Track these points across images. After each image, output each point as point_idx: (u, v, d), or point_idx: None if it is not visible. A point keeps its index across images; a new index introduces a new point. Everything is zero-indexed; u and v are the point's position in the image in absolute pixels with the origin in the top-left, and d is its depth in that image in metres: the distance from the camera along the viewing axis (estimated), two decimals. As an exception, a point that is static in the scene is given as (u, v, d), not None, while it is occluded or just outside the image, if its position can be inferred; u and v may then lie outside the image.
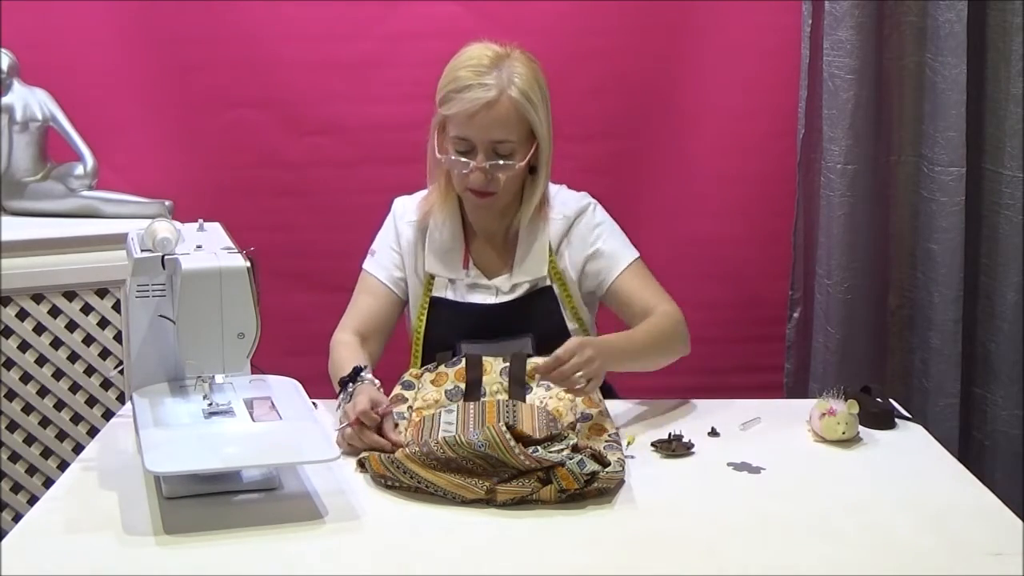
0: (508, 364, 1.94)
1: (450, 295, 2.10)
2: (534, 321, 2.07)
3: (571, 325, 2.09)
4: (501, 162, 1.97)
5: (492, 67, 1.97)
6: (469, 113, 1.95)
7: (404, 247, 2.12)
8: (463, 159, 1.98)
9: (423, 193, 2.14)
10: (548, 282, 2.09)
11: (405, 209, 2.16)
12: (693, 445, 1.82)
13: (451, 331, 2.05)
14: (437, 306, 2.10)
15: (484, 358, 1.95)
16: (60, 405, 2.41)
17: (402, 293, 2.13)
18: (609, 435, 1.79)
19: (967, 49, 2.40)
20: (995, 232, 2.50)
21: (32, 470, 2.41)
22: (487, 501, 1.60)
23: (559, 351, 1.81)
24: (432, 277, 2.10)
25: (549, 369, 1.81)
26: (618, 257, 2.09)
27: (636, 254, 2.10)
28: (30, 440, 2.40)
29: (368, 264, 2.14)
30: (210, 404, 1.68)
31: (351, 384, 1.84)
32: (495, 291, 2.09)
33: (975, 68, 2.44)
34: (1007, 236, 2.46)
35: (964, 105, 2.42)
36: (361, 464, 1.71)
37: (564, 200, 2.12)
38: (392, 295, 2.11)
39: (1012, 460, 2.50)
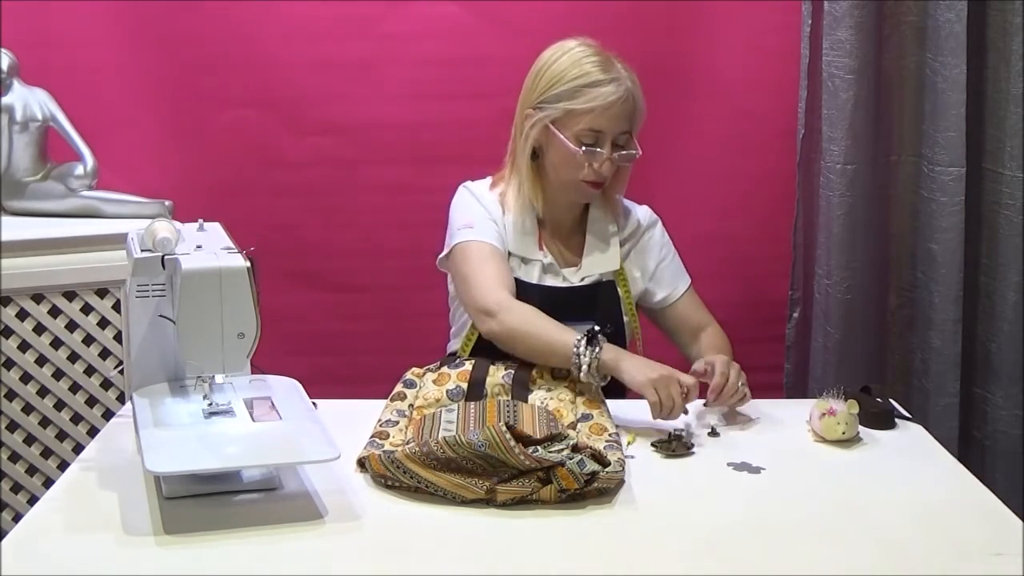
0: (513, 370, 1.95)
1: (522, 275, 2.12)
2: (599, 310, 2.13)
3: (626, 318, 2.17)
4: (625, 152, 2.09)
5: (608, 63, 2.08)
6: (607, 106, 2.04)
7: (496, 217, 2.14)
8: (596, 149, 2.05)
9: (488, 180, 2.19)
10: (612, 277, 2.17)
11: (480, 189, 2.19)
12: (693, 445, 1.82)
13: None
14: None
15: (490, 365, 1.97)
16: (60, 405, 2.41)
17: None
18: (609, 435, 1.79)
19: (967, 49, 2.40)
20: (995, 232, 2.49)
21: (32, 470, 2.41)
22: (487, 501, 1.60)
23: (719, 373, 1.94)
24: (507, 255, 2.12)
25: (719, 387, 1.94)
26: (681, 277, 2.26)
27: (689, 276, 2.27)
28: (30, 440, 2.40)
29: (471, 235, 2.10)
30: (210, 404, 1.68)
31: (598, 338, 1.92)
32: (563, 278, 2.14)
33: (975, 68, 2.44)
34: (1007, 236, 2.46)
35: (964, 105, 2.42)
36: (361, 464, 1.71)
37: (632, 208, 2.24)
38: (507, 257, 2.12)
39: (1012, 460, 2.50)
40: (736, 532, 1.55)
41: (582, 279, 2.15)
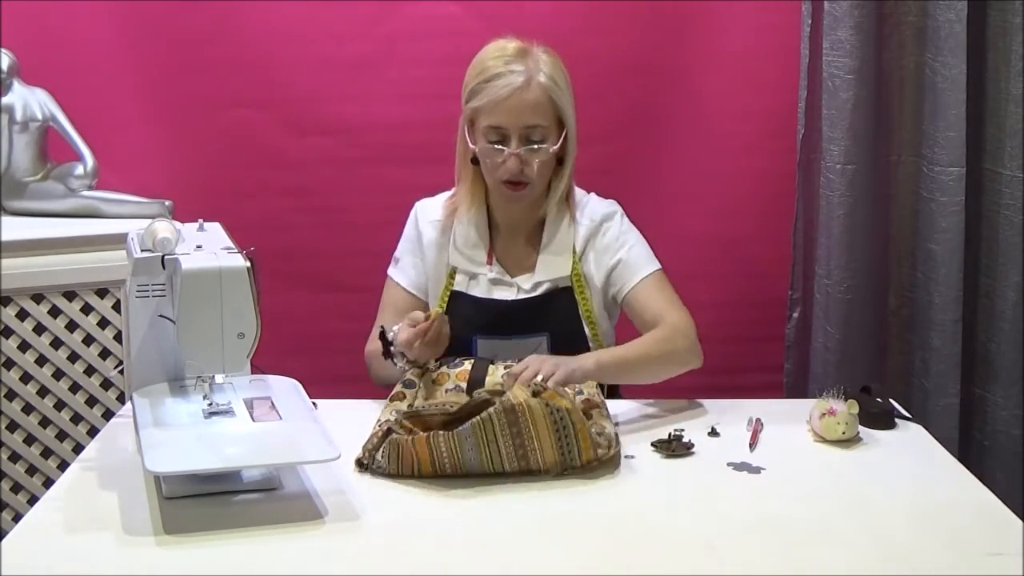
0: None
1: (470, 290, 2.11)
2: (551, 321, 2.09)
3: (587, 330, 2.09)
4: (535, 147, 2.00)
5: (518, 56, 2.01)
6: (500, 99, 1.98)
7: (426, 246, 2.14)
8: (497, 147, 2.00)
9: (447, 194, 2.17)
10: (568, 283, 2.10)
11: (427, 209, 2.18)
12: (693, 445, 1.82)
13: (468, 325, 2.05)
14: (457, 300, 2.11)
15: (490, 364, 1.96)
16: (60, 405, 2.41)
17: (425, 297, 2.15)
18: (601, 413, 1.81)
19: (967, 49, 2.40)
20: (995, 232, 2.49)
21: (32, 470, 2.41)
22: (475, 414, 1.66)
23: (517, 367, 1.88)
24: (454, 271, 2.12)
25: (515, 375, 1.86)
26: (639, 267, 2.10)
27: (657, 266, 2.11)
28: (30, 440, 2.40)
29: (392, 272, 2.18)
30: (210, 404, 1.68)
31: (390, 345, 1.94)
32: (516, 288, 2.11)
33: (975, 68, 2.44)
34: (1007, 236, 2.46)
35: (964, 105, 2.42)
36: (361, 464, 1.71)
37: (593, 206, 2.15)
38: (416, 302, 2.14)
39: (1012, 460, 2.50)
40: (736, 532, 1.55)
41: (534, 286, 2.10)
